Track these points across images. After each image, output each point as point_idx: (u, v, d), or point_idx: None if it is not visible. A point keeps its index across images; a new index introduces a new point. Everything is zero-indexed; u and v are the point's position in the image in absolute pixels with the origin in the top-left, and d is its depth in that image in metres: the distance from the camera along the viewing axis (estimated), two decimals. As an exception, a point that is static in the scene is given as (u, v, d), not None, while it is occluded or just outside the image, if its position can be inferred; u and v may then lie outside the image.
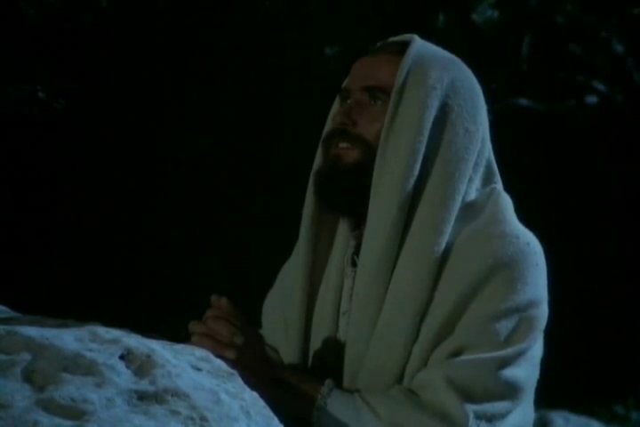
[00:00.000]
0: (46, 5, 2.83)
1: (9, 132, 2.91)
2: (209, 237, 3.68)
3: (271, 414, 1.31)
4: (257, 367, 1.53)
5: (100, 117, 3.42)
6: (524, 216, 1.71)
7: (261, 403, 1.32)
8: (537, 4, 4.64)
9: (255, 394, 1.32)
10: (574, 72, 4.74)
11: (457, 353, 1.53)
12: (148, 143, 3.59)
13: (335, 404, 1.54)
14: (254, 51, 3.72)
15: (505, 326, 1.53)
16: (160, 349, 1.31)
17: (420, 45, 1.65)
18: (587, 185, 4.81)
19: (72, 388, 1.17)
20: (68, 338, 1.27)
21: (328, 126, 1.71)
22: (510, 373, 1.52)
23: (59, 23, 2.94)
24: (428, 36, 1.73)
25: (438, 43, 1.74)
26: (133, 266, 3.53)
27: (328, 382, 1.57)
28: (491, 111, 1.69)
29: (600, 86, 4.76)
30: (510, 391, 1.52)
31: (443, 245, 1.57)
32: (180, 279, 3.55)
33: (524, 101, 4.62)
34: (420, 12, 4.11)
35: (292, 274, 1.75)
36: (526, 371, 1.55)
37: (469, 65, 1.70)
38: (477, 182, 1.65)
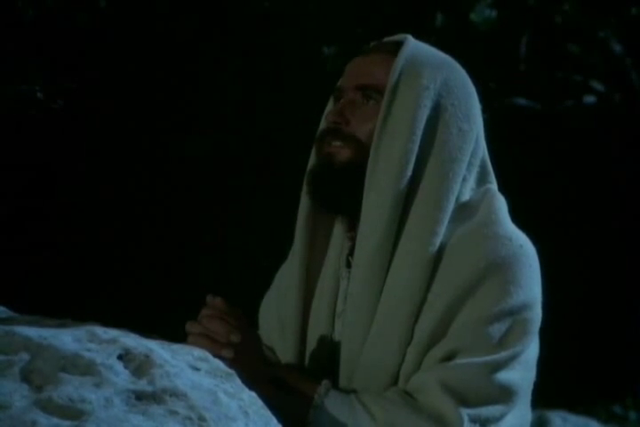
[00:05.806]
0: (45, 6, 2.83)
1: (7, 132, 2.91)
2: (208, 237, 3.68)
3: (269, 413, 1.31)
4: (254, 366, 1.53)
5: (98, 118, 3.42)
6: (523, 216, 1.70)
7: (260, 403, 1.32)
8: (535, 4, 4.64)
9: (253, 394, 1.33)
10: (572, 72, 4.74)
11: (451, 356, 1.53)
12: (147, 143, 3.59)
13: (332, 404, 1.54)
14: (253, 50, 3.72)
15: (498, 330, 1.53)
16: (158, 349, 1.31)
17: (413, 45, 1.65)
18: (585, 185, 4.81)
19: (70, 388, 1.17)
20: (67, 338, 1.27)
21: (321, 125, 1.71)
22: (504, 376, 1.52)
23: (57, 23, 2.94)
24: (426, 35, 1.72)
25: (436, 42, 1.73)
26: (132, 266, 3.53)
27: (325, 382, 1.57)
28: (485, 110, 1.68)
29: (598, 86, 4.76)
30: (504, 395, 1.52)
31: (437, 246, 1.56)
32: (180, 279, 3.55)
33: (521, 101, 4.62)
34: (419, 11, 4.11)
35: (287, 275, 1.75)
36: (520, 374, 1.55)
37: (467, 64, 1.69)
38: (472, 182, 1.65)
